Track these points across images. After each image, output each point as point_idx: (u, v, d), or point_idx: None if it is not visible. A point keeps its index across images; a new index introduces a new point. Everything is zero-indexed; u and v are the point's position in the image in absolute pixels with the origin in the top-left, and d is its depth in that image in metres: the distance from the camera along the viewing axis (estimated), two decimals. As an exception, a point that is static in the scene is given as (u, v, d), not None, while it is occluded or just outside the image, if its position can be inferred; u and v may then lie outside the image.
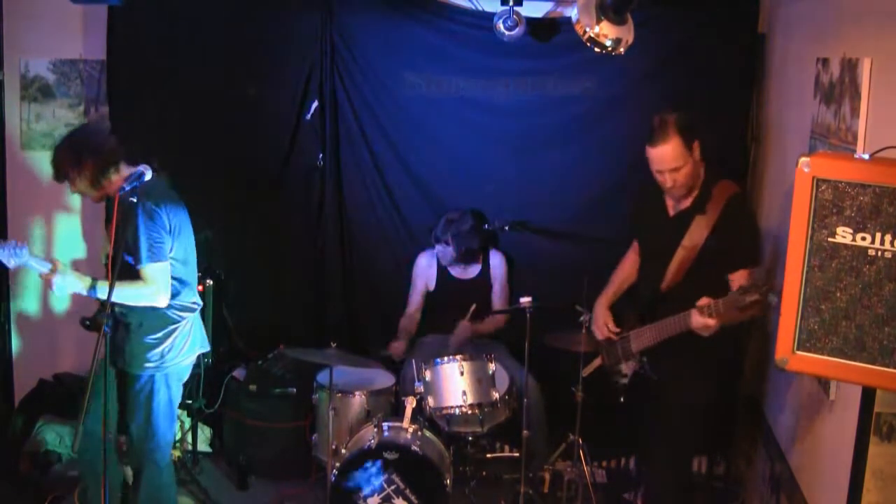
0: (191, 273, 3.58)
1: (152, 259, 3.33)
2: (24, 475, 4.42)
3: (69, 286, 3.31)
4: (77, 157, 3.35)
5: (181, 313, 3.51)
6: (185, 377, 3.62)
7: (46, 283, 3.29)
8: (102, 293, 3.25)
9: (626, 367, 3.66)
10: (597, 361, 3.81)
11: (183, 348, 3.53)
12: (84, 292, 3.31)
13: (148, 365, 3.45)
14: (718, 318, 3.06)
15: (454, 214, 4.49)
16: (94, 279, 3.33)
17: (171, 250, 3.42)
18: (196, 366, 3.95)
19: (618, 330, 3.66)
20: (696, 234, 3.27)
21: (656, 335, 3.42)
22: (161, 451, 3.55)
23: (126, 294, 3.28)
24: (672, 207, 3.44)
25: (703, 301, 3.09)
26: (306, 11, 4.55)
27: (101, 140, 3.43)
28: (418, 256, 4.64)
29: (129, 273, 3.32)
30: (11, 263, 3.29)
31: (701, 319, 3.10)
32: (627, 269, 3.84)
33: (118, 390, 3.53)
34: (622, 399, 3.68)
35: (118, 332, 3.44)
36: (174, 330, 3.49)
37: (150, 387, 3.47)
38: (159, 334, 3.46)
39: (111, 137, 3.47)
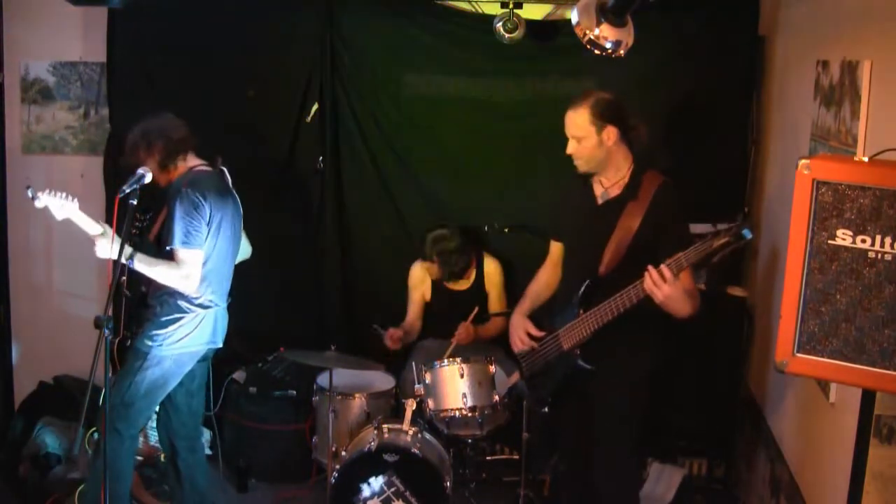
0: (217, 271, 3.68)
1: (186, 244, 3.49)
2: (24, 477, 4.42)
3: (111, 252, 3.40)
4: (148, 139, 3.57)
5: (191, 306, 3.62)
6: (186, 368, 3.69)
7: (91, 242, 3.42)
8: (138, 265, 3.41)
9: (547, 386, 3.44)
10: (514, 377, 3.57)
11: (184, 337, 3.62)
12: (123, 260, 3.38)
13: (148, 342, 3.59)
14: (681, 271, 2.85)
15: (440, 232, 4.37)
16: (135, 251, 3.43)
17: (204, 241, 3.55)
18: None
19: (540, 334, 3.39)
20: (630, 218, 3.18)
21: (598, 320, 3.16)
22: (128, 423, 3.63)
23: (157, 271, 3.47)
24: (600, 196, 3.33)
25: (665, 263, 2.89)
26: (306, 13, 4.56)
27: (172, 127, 3.63)
28: (413, 266, 4.56)
29: (165, 254, 3.51)
30: (60, 214, 3.37)
31: (655, 276, 2.85)
32: (543, 281, 3.63)
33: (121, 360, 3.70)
34: (546, 409, 3.47)
35: (142, 313, 3.68)
36: (180, 318, 3.60)
37: (143, 360, 3.59)
38: (166, 318, 3.59)
39: (183, 127, 3.65)
